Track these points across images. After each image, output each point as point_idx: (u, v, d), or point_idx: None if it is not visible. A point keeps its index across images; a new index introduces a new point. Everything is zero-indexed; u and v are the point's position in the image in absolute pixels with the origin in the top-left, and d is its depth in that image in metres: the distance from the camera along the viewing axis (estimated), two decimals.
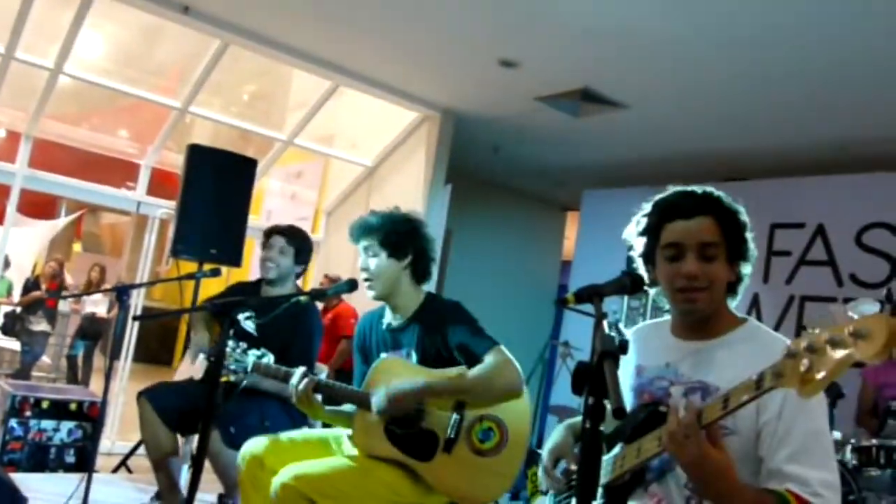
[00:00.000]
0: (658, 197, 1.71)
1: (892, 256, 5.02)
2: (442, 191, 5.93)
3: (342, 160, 6.59)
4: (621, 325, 5.57)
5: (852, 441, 3.77)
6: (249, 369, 2.64)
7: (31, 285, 8.31)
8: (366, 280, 2.54)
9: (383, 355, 2.56)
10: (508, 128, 6.03)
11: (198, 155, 4.45)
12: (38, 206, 10.20)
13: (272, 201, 7.52)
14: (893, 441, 3.68)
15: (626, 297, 6.33)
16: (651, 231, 1.68)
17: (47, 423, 4.41)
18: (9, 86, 5.09)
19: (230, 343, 2.60)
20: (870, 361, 1.10)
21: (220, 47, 4.98)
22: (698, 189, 1.67)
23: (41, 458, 4.39)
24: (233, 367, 2.64)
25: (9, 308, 8.24)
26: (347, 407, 2.56)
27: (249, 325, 3.38)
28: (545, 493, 1.87)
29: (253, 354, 2.66)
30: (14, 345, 8.10)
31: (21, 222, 8.81)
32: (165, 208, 5.75)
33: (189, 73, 5.33)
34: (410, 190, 5.90)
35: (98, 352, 8.61)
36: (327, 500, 2.24)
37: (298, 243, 3.49)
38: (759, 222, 1.69)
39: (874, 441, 3.68)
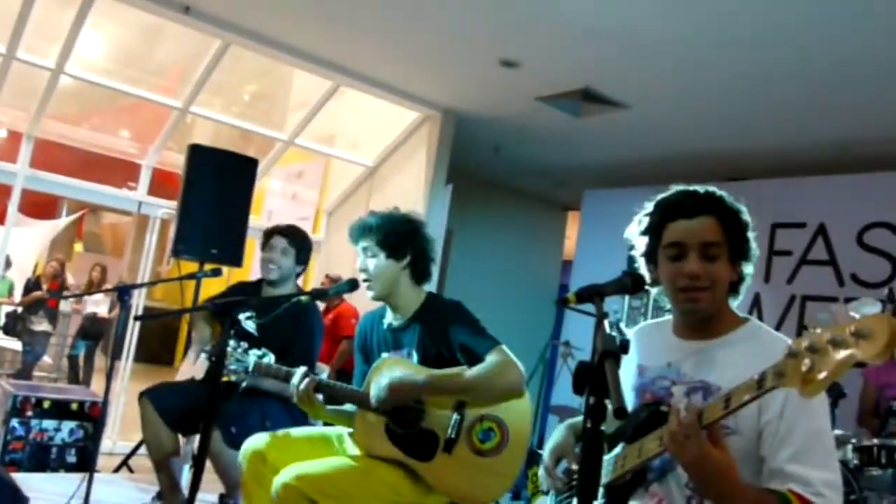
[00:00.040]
0: (660, 196, 1.71)
1: (893, 256, 5.02)
2: (443, 191, 5.93)
3: (343, 160, 6.59)
4: (622, 325, 5.58)
5: (853, 441, 3.77)
6: (250, 369, 2.64)
7: (32, 285, 8.32)
8: (365, 281, 2.54)
9: (384, 355, 2.56)
10: (509, 128, 6.03)
11: (199, 155, 4.45)
12: (40, 206, 10.21)
13: (273, 201, 7.52)
14: (895, 441, 3.67)
15: (627, 297, 6.33)
16: (653, 230, 1.68)
17: (49, 423, 4.42)
18: (10, 86, 5.10)
19: (231, 343, 2.60)
20: (871, 361, 1.10)
21: (221, 47, 4.98)
22: (700, 189, 1.66)
23: (42, 458, 4.39)
24: (234, 367, 2.64)
25: (10, 308, 8.25)
26: (349, 406, 2.56)
27: (250, 326, 3.38)
28: (546, 493, 1.87)
29: (254, 354, 2.66)
30: (15, 345, 8.11)
31: (22, 222, 8.81)
32: (166, 208, 5.75)
33: (190, 72, 5.33)
34: (411, 190, 5.90)
35: (99, 352, 8.62)
36: (328, 499, 2.24)
37: (299, 243, 3.49)
38: (760, 222, 1.69)
39: (875, 441, 3.68)
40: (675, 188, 1.70)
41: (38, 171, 5.43)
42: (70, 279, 8.77)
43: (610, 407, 1.23)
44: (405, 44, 4.77)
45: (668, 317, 1.77)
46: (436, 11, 4.18)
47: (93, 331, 8.31)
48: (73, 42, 4.75)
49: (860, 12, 3.50)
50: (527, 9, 3.93)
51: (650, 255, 1.70)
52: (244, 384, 3.04)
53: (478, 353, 2.36)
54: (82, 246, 13.42)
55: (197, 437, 2.24)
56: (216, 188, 4.38)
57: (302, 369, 2.48)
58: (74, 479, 3.41)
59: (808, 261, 5.45)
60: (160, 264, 8.69)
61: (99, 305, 8.29)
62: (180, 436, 3.46)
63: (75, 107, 6.15)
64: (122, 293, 3.03)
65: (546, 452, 1.83)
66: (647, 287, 1.64)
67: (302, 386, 2.43)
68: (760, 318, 5.32)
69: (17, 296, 8.35)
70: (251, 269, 6.35)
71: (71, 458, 4.47)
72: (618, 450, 1.60)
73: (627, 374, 1.75)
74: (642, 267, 1.72)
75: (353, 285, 2.56)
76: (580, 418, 1.72)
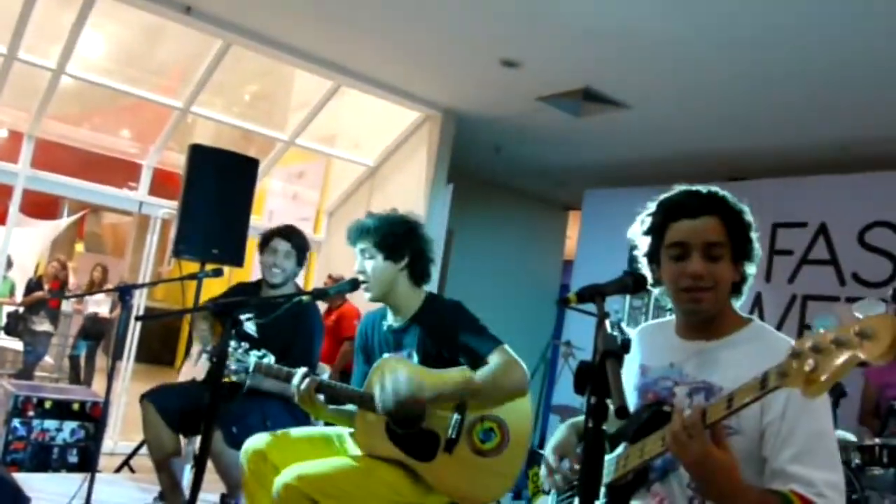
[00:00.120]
0: (663, 196, 1.71)
1: (894, 255, 5.02)
2: (443, 191, 5.93)
3: (344, 160, 6.59)
4: (623, 325, 5.59)
5: (854, 441, 3.77)
6: (251, 370, 2.64)
7: (33, 285, 8.32)
8: (363, 283, 2.55)
9: (385, 356, 2.55)
10: (510, 128, 6.03)
11: (200, 155, 4.46)
12: (41, 206, 10.22)
13: (274, 201, 7.52)
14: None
15: (628, 297, 6.33)
16: (656, 230, 1.68)
17: (50, 423, 4.42)
18: (11, 86, 5.10)
19: (232, 343, 2.60)
20: (875, 362, 1.09)
21: (222, 47, 4.98)
22: (703, 189, 1.66)
23: (44, 458, 4.40)
24: (234, 367, 2.64)
25: (11, 308, 8.25)
26: (350, 406, 2.56)
27: (250, 327, 3.39)
28: (547, 493, 1.87)
29: (254, 355, 2.67)
30: (17, 345, 8.11)
31: (23, 222, 8.81)
32: (167, 208, 5.75)
33: (191, 73, 5.33)
34: (412, 190, 5.90)
35: (100, 352, 8.62)
36: (329, 499, 2.25)
37: (300, 245, 3.50)
38: (761, 222, 1.69)
39: (877, 440, 3.68)
40: (678, 188, 1.70)
41: (39, 172, 5.44)
42: (71, 279, 8.77)
43: (611, 406, 1.23)
44: (406, 44, 4.77)
45: (671, 317, 1.77)
46: (436, 11, 4.18)
47: (94, 331, 8.31)
48: (74, 42, 4.75)
49: (860, 12, 3.49)
50: (527, 9, 3.93)
51: (653, 255, 1.70)
52: (247, 385, 3.04)
53: (480, 353, 2.36)
54: (83, 246, 13.44)
55: (198, 438, 2.24)
56: (217, 188, 4.39)
57: (302, 370, 2.48)
58: (76, 480, 3.42)
59: (809, 260, 5.45)
60: (161, 264, 8.69)
61: (100, 306, 8.29)
62: (181, 436, 3.46)
63: (76, 107, 6.15)
64: (124, 293, 3.03)
65: (548, 451, 1.83)
66: (648, 287, 1.64)
67: (303, 386, 2.43)
68: (762, 317, 5.30)
69: (19, 296, 8.36)
70: (252, 269, 6.36)
71: (72, 459, 4.47)
72: (620, 449, 1.60)
73: (630, 374, 1.75)
74: (644, 267, 1.72)
75: (353, 285, 2.56)
76: (582, 417, 1.72)
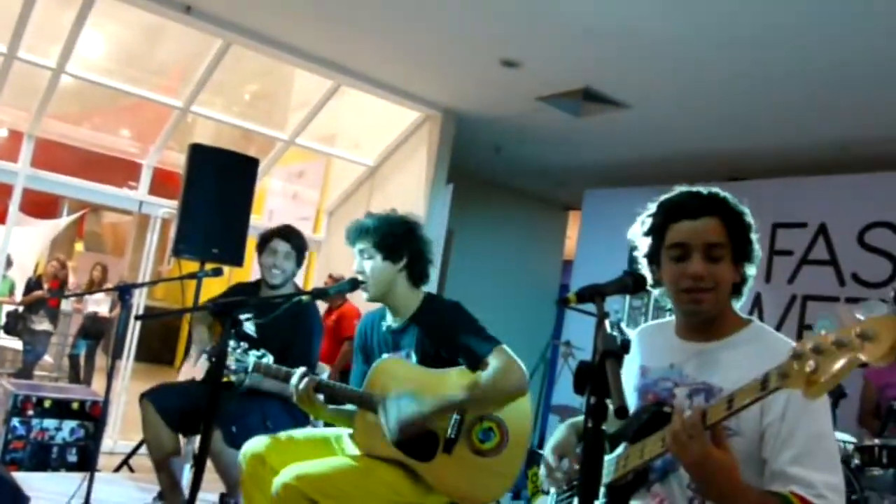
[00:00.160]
0: (664, 197, 1.71)
1: (894, 256, 5.02)
2: (443, 191, 5.93)
3: (344, 160, 6.59)
4: (623, 325, 5.59)
5: (854, 441, 3.77)
6: (250, 369, 2.64)
7: (33, 285, 8.32)
8: (361, 282, 2.55)
9: (384, 356, 2.56)
10: (510, 127, 6.03)
11: (200, 154, 4.46)
12: (41, 205, 10.22)
13: (274, 201, 7.52)
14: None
15: (627, 297, 6.33)
16: (656, 231, 1.68)
17: (49, 423, 4.42)
18: (11, 85, 5.10)
19: (231, 343, 2.60)
20: (876, 364, 1.09)
21: (222, 47, 4.98)
22: (704, 189, 1.66)
23: (43, 458, 4.40)
24: (234, 367, 2.64)
25: (11, 307, 8.25)
26: (350, 406, 2.56)
27: (249, 327, 3.39)
28: (546, 493, 1.87)
29: (253, 355, 2.66)
30: (16, 344, 8.11)
31: (23, 222, 8.81)
32: (167, 208, 5.75)
33: (191, 72, 5.33)
34: (412, 190, 5.90)
35: (100, 351, 8.62)
36: (328, 499, 2.24)
37: (299, 245, 3.50)
38: (760, 222, 1.69)
39: (877, 441, 3.68)
40: (679, 189, 1.70)
41: (39, 171, 5.44)
42: (71, 278, 8.77)
43: (611, 407, 1.23)
44: (405, 44, 4.77)
45: (671, 318, 1.77)
46: (436, 11, 4.18)
47: (94, 330, 8.31)
48: (74, 42, 4.75)
49: (860, 12, 3.49)
50: (527, 9, 3.93)
51: (653, 256, 1.70)
52: (245, 385, 3.04)
53: (479, 354, 2.36)
54: (83, 245, 13.44)
55: (198, 437, 2.24)
56: (217, 188, 4.39)
57: (301, 370, 2.48)
58: (75, 479, 3.42)
59: (808, 261, 5.45)
60: (161, 264, 8.70)
61: (100, 305, 8.29)
62: (181, 436, 3.46)
63: (76, 106, 6.15)
64: (123, 292, 3.03)
65: (547, 451, 1.83)
66: (648, 287, 1.64)
67: (301, 386, 2.42)
68: (761, 317, 5.32)
69: (19, 295, 8.35)
70: (252, 268, 6.36)
71: (72, 458, 4.47)
72: (620, 450, 1.60)
73: (630, 374, 1.75)
74: (644, 267, 1.72)
75: (353, 285, 2.55)
76: (582, 417, 1.72)
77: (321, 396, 2.48)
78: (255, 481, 2.42)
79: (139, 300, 5.85)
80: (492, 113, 5.79)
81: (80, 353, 8.27)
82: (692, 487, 1.54)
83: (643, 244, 1.72)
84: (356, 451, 2.50)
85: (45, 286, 8.13)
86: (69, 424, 4.48)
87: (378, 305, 2.67)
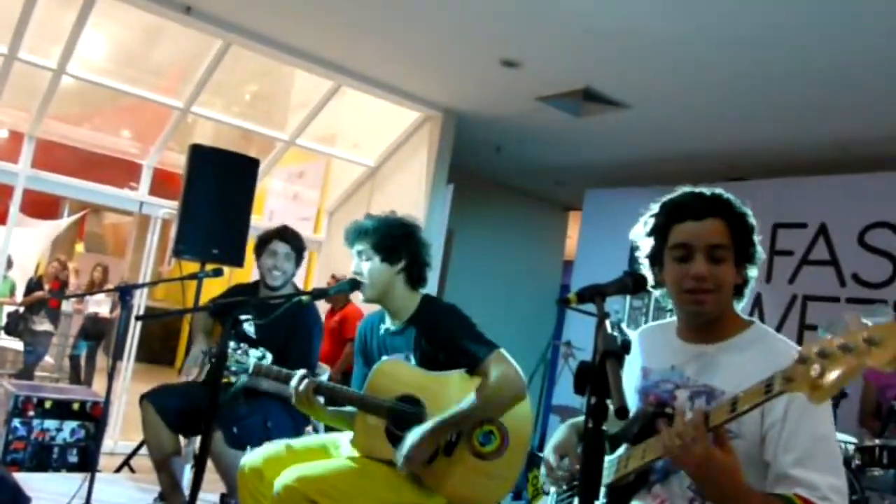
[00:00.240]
0: (666, 198, 1.70)
1: (894, 256, 5.02)
2: (444, 191, 5.93)
3: (344, 160, 6.59)
4: (624, 326, 5.58)
5: (854, 441, 3.77)
6: (250, 370, 2.64)
7: (34, 285, 8.33)
8: (361, 283, 2.54)
9: (384, 358, 2.55)
10: (510, 127, 6.03)
11: (200, 155, 4.46)
12: (41, 206, 10.22)
13: (274, 201, 7.52)
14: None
15: (628, 297, 6.33)
16: (659, 231, 1.67)
17: (50, 423, 4.42)
18: (12, 86, 5.10)
19: (231, 344, 2.60)
20: (882, 369, 1.09)
21: (222, 47, 4.98)
22: (707, 190, 1.66)
23: (44, 458, 4.40)
24: (234, 368, 2.64)
25: (12, 308, 8.25)
26: (350, 408, 2.56)
27: (249, 328, 3.39)
28: (547, 494, 1.87)
29: (253, 356, 2.66)
30: (17, 345, 8.12)
31: (24, 222, 8.82)
32: (168, 208, 5.75)
33: (191, 73, 5.33)
34: (412, 190, 5.90)
35: (101, 352, 8.61)
36: (329, 500, 2.24)
37: (298, 246, 3.50)
38: (761, 222, 1.69)
39: (877, 441, 3.68)
40: (682, 189, 1.69)
41: (40, 172, 5.44)
42: (72, 279, 8.77)
43: (611, 407, 1.23)
44: (405, 44, 4.77)
45: (673, 319, 1.76)
46: (436, 11, 4.18)
47: (94, 331, 8.31)
48: (75, 42, 4.76)
49: (860, 12, 3.49)
50: (527, 9, 3.93)
51: (655, 257, 1.69)
52: (239, 384, 3.04)
53: (477, 357, 2.36)
54: (84, 246, 13.44)
55: (198, 438, 2.24)
56: (217, 188, 4.39)
57: (301, 371, 2.48)
58: (76, 479, 3.42)
59: (809, 261, 5.45)
60: (161, 264, 8.70)
61: (100, 305, 8.30)
62: (181, 436, 3.46)
63: (77, 107, 6.15)
64: (124, 293, 3.03)
65: (548, 451, 1.83)
66: (648, 288, 1.64)
67: (301, 388, 2.42)
68: (762, 318, 5.33)
69: (19, 296, 8.36)
70: (252, 269, 6.35)
71: (72, 458, 4.48)
72: (621, 450, 1.60)
73: (631, 376, 1.75)
74: (644, 267, 1.72)
75: (353, 285, 2.55)
76: (582, 418, 1.71)
77: (321, 399, 2.48)
78: (253, 496, 2.41)
79: (140, 301, 5.85)
80: (492, 113, 5.79)
81: (80, 354, 8.27)
82: (693, 488, 1.53)
83: (645, 245, 1.72)
84: (354, 455, 2.49)
85: (46, 287, 8.13)
86: (70, 425, 4.48)
87: (377, 307, 2.66)
